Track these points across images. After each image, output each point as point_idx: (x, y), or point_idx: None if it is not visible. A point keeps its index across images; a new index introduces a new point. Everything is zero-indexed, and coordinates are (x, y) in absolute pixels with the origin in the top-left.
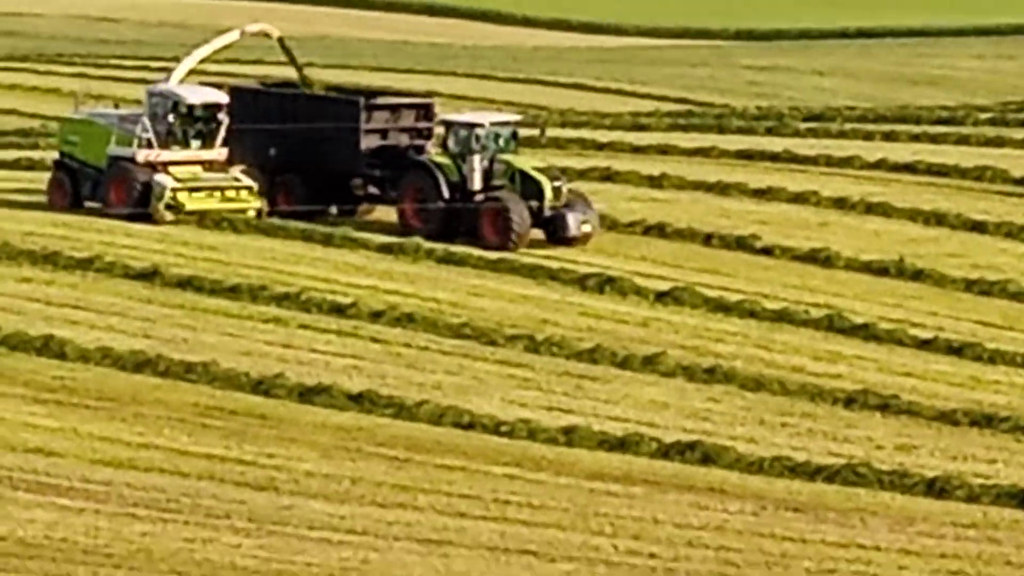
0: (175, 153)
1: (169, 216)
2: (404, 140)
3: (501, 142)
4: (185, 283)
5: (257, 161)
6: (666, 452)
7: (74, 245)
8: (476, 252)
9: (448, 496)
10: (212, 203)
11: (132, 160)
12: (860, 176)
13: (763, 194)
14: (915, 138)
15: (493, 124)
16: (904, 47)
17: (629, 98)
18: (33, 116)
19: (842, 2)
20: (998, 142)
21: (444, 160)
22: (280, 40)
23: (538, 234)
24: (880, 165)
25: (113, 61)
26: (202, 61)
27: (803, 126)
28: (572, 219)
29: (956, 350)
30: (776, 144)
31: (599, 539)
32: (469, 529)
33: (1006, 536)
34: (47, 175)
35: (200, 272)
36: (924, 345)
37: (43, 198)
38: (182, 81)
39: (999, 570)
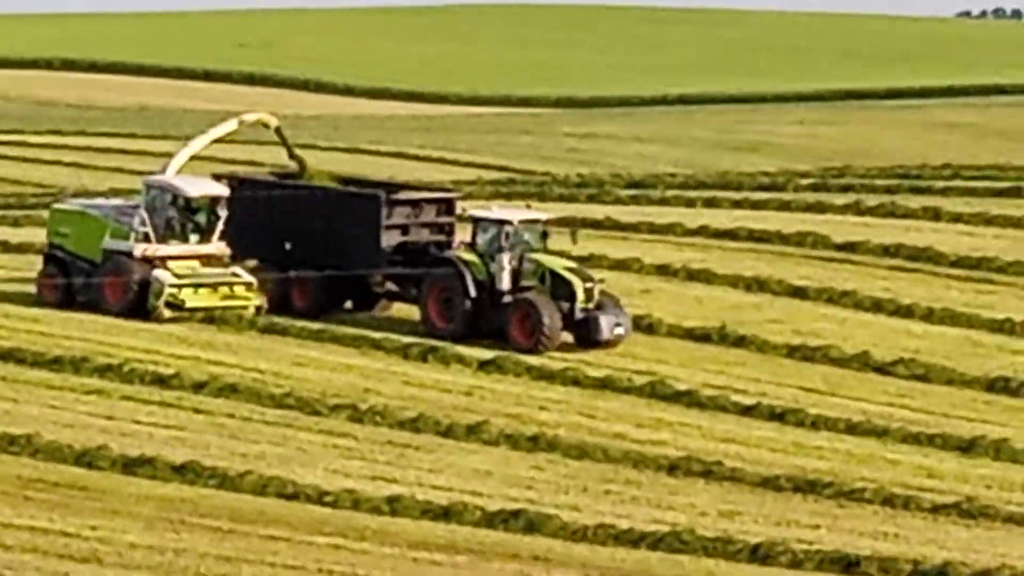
0: (174, 248)
1: (168, 314)
2: (425, 235)
3: (530, 240)
4: (7, 355)
5: (271, 256)
6: (490, 521)
7: None
8: (299, 322)
9: (272, 567)
10: (213, 300)
11: (129, 255)
12: (682, 243)
13: (585, 261)
14: (736, 204)
15: (522, 222)
16: (724, 114)
17: (451, 166)
18: None
19: (661, 69)
20: (819, 208)
21: (471, 257)
22: (278, 129)
23: (568, 336)
24: (702, 232)
25: None
26: (199, 152)
27: (624, 193)
28: (605, 322)
29: (779, 416)
30: (597, 211)
31: None
32: None
33: None
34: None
35: (22, 344)
36: (747, 411)
37: None
38: (179, 172)
39: None
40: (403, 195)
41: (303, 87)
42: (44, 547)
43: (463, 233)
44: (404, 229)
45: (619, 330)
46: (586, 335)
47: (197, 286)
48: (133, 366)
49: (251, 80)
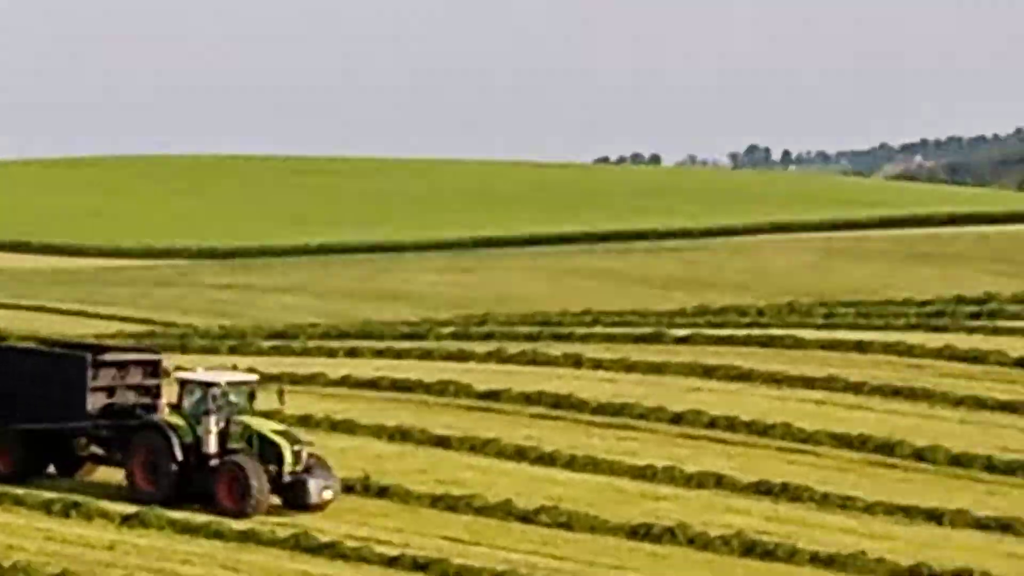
0: None
1: None
2: (131, 397)
3: (238, 402)
4: None
5: None
6: None
7: None
8: None
9: None
10: None
11: None
12: (325, 393)
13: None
14: (379, 353)
15: (229, 383)
16: (365, 263)
17: (92, 319)
18: None
19: (302, 219)
20: (461, 356)
21: (177, 420)
22: None
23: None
24: (344, 382)
25: None
26: None
27: (267, 344)
28: (313, 485)
29: (422, 567)
30: (241, 362)
31: None
32: None
33: None
34: None
35: None
36: (391, 562)
37: None
38: None
39: None
40: (109, 356)
41: None
42: None
43: (170, 394)
44: (110, 391)
45: (327, 493)
46: (294, 498)
47: None
48: None
49: None
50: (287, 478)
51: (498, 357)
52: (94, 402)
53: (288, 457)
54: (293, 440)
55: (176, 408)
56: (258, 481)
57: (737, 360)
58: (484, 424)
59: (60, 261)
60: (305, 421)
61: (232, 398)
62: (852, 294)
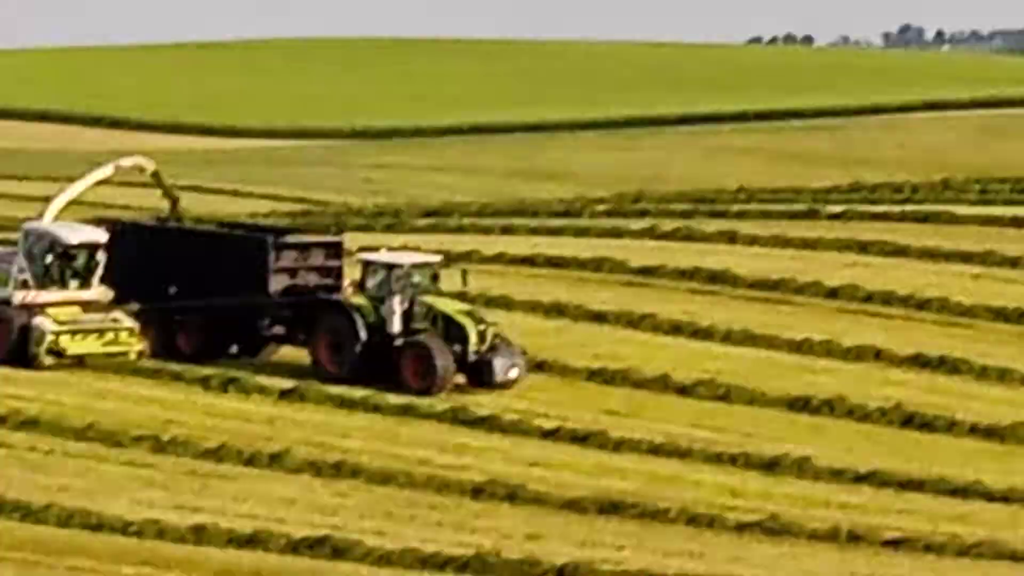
0: (54, 294)
1: (50, 361)
2: (313, 279)
3: (421, 282)
4: None
5: (156, 300)
6: (295, 548)
7: None
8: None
9: None
10: (94, 346)
11: (8, 302)
12: (479, 270)
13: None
14: (533, 231)
15: (413, 265)
16: (521, 142)
17: (246, 199)
18: None
19: (456, 99)
20: (615, 233)
21: (361, 301)
22: (155, 174)
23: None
24: (499, 259)
25: None
26: (75, 197)
27: (421, 222)
28: (499, 364)
29: (581, 439)
30: (394, 240)
31: None
32: None
33: None
34: None
35: None
36: (549, 435)
37: None
38: (56, 218)
39: None
40: (291, 239)
41: (95, 123)
42: None
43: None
44: (292, 273)
45: (513, 372)
46: (479, 377)
47: (78, 332)
48: None
49: (43, 117)
50: (472, 357)
51: (653, 234)
52: (277, 283)
53: (473, 336)
54: (478, 320)
55: (360, 289)
56: (443, 360)
57: (892, 236)
58: (640, 299)
59: (215, 142)
60: (460, 298)
61: (415, 279)
62: (1007, 170)
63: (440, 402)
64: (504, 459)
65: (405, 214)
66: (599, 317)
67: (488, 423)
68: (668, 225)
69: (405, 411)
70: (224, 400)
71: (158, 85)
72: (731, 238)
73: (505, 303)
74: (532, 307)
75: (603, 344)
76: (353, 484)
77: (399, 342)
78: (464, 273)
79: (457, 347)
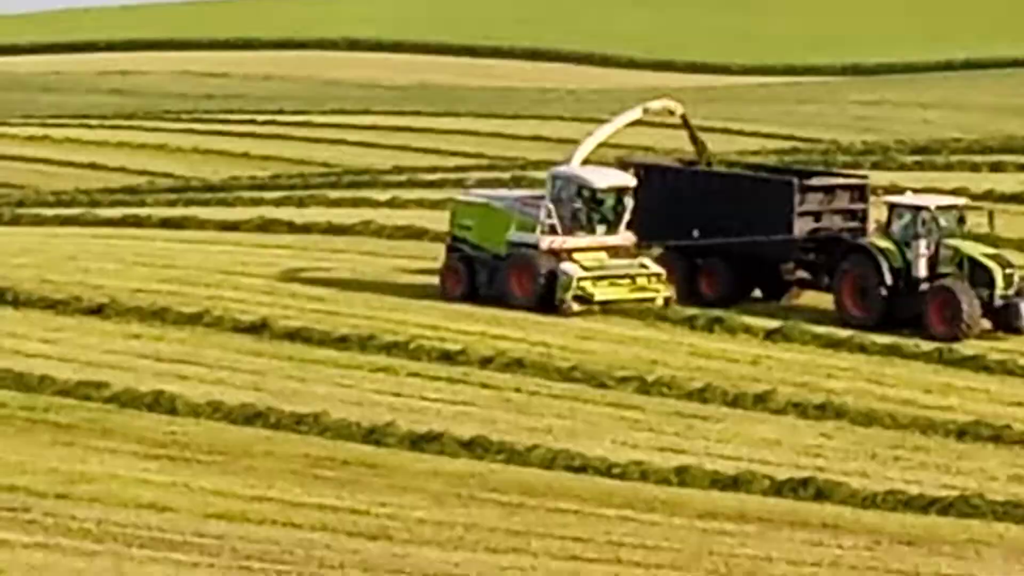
0: (581, 239)
1: (577, 307)
2: (837, 222)
3: (947, 226)
4: (294, 335)
5: (677, 244)
6: (779, 489)
7: (182, 300)
8: None
9: (562, 540)
10: (621, 292)
11: (535, 247)
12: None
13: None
14: (1022, 168)
15: (939, 207)
16: (1011, 77)
17: (736, 136)
18: (141, 173)
19: (947, 34)
20: None
21: (887, 244)
22: (683, 117)
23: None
24: (988, 196)
25: (220, 116)
26: (605, 141)
27: (909, 159)
28: None
29: None
30: (882, 179)
31: None
32: (583, 572)
33: None
34: (151, 231)
35: (308, 323)
36: None
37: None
38: (585, 161)
39: None
40: (816, 181)
41: (587, 61)
42: (334, 525)
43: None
44: (817, 216)
45: None
46: (1006, 322)
47: (605, 278)
48: (420, 343)
49: (534, 55)
50: (999, 302)
51: None
52: (801, 226)
53: (1000, 281)
54: (1005, 263)
55: (885, 232)
56: (969, 305)
57: None
58: None
59: (705, 79)
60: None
61: (942, 222)
62: None
63: (925, 342)
64: (989, 399)
65: (893, 151)
66: None
67: (974, 363)
68: None
69: (891, 351)
70: (709, 340)
71: (648, 22)
72: None
73: (991, 242)
74: (1019, 245)
75: None
76: (837, 425)
77: (924, 287)
78: (991, 215)
79: (984, 291)
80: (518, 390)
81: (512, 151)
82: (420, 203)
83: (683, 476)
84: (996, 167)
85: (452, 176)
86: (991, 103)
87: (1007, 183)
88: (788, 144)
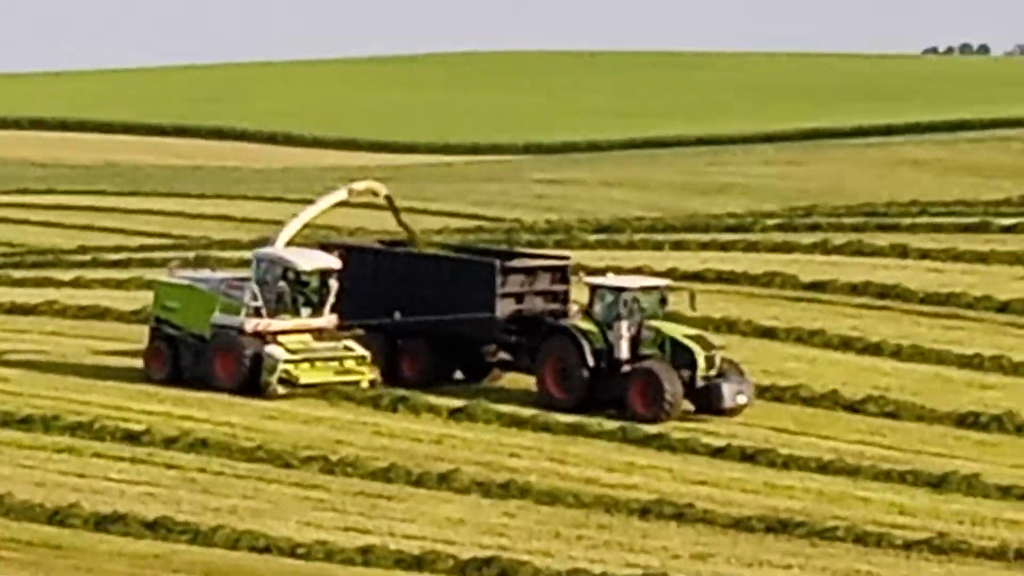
0: (286, 322)
1: (282, 390)
2: (539, 304)
3: (649, 308)
4: None
5: (379, 325)
6: (463, 569)
7: None
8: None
9: None
10: (326, 375)
11: (240, 330)
12: None
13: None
14: (704, 246)
15: (641, 289)
16: (692, 156)
17: (419, 215)
18: None
19: (628, 113)
20: (786, 248)
21: (588, 326)
22: (388, 198)
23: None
24: (670, 274)
25: None
26: (308, 222)
27: (592, 238)
28: (727, 390)
29: (750, 457)
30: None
31: None
32: None
33: None
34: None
35: None
36: (717, 453)
37: None
38: (288, 244)
39: None
40: (517, 262)
41: (271, 140)
42: None
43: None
44: (519, 297)
45: (741, 398)
46: (707, 403)
47: (310, 361)
48: (104, 423)
49: (219, 134)
50: (700, 383)
51: (823, 248)
52: (503, 308)
53: (701, 362)
54: (706, 345)
55: (587, 314)
56: (671, 386)
57: None
58: (809, 315)
59: (389, 158)
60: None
61: (643, 303)
62: None
63: (608, 421)
64: (672, 478)
65: (576, 230)
66: (768, 332)
67: (656, 441)
68: (839, 239)
69: (574, 430)
70: (393, 420)
71: (331, 101)
72: (902, 252)
73: (674, 320)
74: (702, 323)
75: (772, 360)
76: (521, 504)
77: (627, 368)
78: (692, 296)
79: (685, 372)
80: (203, 470)
81: (197, 231)
82: (105, 283)
83: (367, 556)
84: (678, 245)
85: (137, 255)
86: (674, 181)
87: (689, 261)
88: (472, 223)
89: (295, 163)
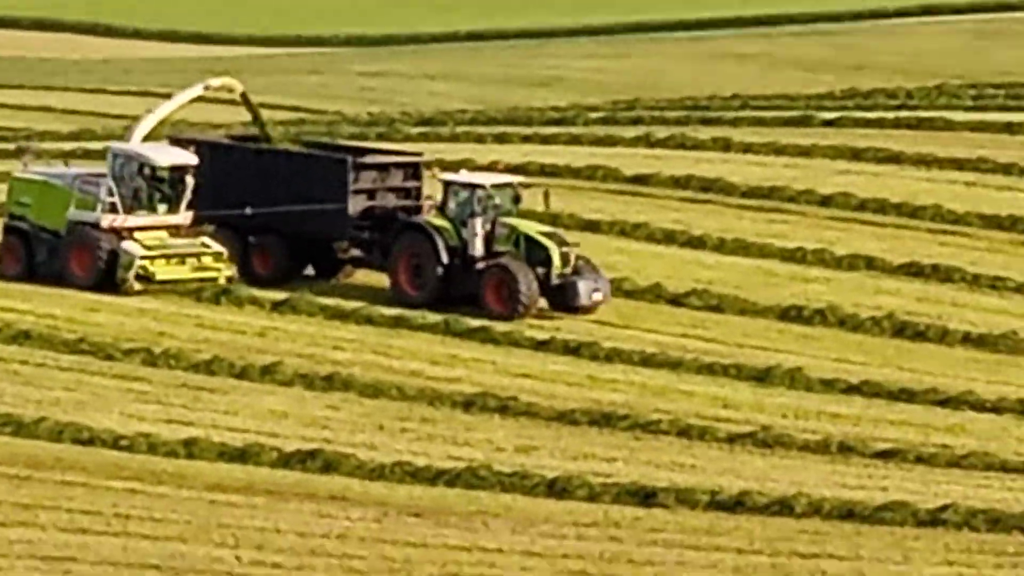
0: (142, 218)
1: (138, 287)
2: (392, 200)
3: (503, 204)
4: None
5: (230, 221)
6: (287, 461)
7: None
8: None
9: (69, 512)
10: (183, 272)
11: (96, 226)
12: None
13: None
14: (526, 139)
15: (495, 186)
16: (515, 49)
17: (240, 107)
18: None
19: (451, 6)
20: (609, 141)
21: (442, 223)
22: (243, 95)
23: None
24: (493, 167)
25: None
26: (164, 118)
27: (415, 131)
28: (583, 287)
29: (573, 350)
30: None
31: (222, 550)
32: (91, 545)
33: (627, 534)
34: None
35: None
36: (541, 346)
37: None
38: (144, 139)
39: (621, 568)
40: (370, 159)
41: (91, 31)
42: None
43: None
44: (371, 194)
45: (597, 295)
46: (563, 301)
47: (167, 257)
48: None
49: (40, 25)
50: (555, 280)
51: (647, 142)
52: (355, 205)
53: (556, 259)
54: (561, 242)
55: (441, 210)
56: (526, 283)
57: (886, 143)
58: (633, 208)
59: (210, 50)
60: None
61: (498, 200)
62: (1002, 76)
63: (431, 313)
64: (496, 371)
65: (399, 123)
66: (591, 225)
67: (479, 334)
68: (662, 133)
69: (397, 323)
70: (216, 312)
71: None
72: (725, 146)
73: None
74: (524, 215)
75: (596, 253)
76: (344, 396)
77: (481, 265)
78: (547, 193)
79: (540, 269)
80: (25, 362)
81: (16, 122)
82: None
83: (191, 448)
84: (500, 138)
85: None
86: (496, 74)
87: (511, 154)
88: (295, 115)
89: (114, 54)
